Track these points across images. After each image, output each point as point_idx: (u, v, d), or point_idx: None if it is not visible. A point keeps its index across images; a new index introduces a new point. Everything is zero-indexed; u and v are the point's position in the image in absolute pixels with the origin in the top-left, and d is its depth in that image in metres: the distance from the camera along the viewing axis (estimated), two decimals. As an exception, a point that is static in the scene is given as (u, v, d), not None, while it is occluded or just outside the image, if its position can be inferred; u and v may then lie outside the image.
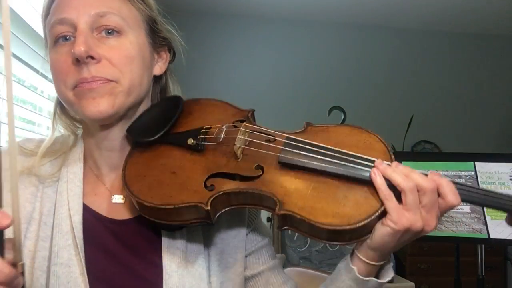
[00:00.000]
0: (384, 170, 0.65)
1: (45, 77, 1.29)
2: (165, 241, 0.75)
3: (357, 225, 0.63)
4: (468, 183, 0.69)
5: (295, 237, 2.48)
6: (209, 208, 0.67)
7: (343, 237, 0.66)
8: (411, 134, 3.85)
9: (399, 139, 3.75)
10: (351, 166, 0.67)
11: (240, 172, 0.71)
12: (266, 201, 0.69)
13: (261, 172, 0.71)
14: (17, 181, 0.52)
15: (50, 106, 1.58)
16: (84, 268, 0.70)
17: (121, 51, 0.73)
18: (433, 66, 4.27)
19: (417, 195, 0.64)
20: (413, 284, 2.45)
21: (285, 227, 0.68)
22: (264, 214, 2.48)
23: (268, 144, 0.74)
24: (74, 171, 0.77)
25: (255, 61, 4.04)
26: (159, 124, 0.77)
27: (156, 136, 0.76)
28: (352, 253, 0.72)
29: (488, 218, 1.56)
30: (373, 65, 4.17)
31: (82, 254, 0.71)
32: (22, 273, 0.50)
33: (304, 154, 0.70)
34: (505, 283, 3.65)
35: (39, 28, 1.08)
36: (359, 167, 0.67)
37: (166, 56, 0.85)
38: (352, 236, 0.66)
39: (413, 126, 3.81)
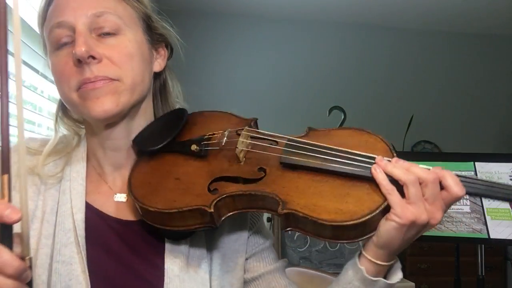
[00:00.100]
0: (385, 166, 0.66)
1: (45, 77, 1.28)
2: (168, 244, 0.75)
3: (361, 220, 0.63)
4: (473, 177, 0.68)
5: (295, 237, 2.48)
6: (212, 210, 0.68)
7: (348, 234, 0.66)
8: (411, 134, 3.85)
9: (399, 139, 3.75)
10: (352, 164, 0.68)
11: (243, 175, 0.72)
12: (269, 202, 0.70)
13: (264, 174, 0.72)
14: (26, 177, 0.52)
15: (50, 106, 1.59)
16: (86, 266, 0.70)
17: (120, 50, 0.74)
18: (433, 66, 4.27)
19: (419, 187, 0.64)
20: (413, 284, 2.44)
21: (289, 228, 0.68)
22: (265, 214, 2.48)
23: (270, 146, 0.75)
24: (77, 170, 0.78)
25: (255, 61, 4.04)
26: (164, 134, 0.79)
27: (161, 145, 0.77)
28: (360, 254, 0.71)
29: (488, 218, 1.56)
30: (373, 65, 4.17)
31: (84, 252, 0.71)
32: (30, 267, 0.51)
33: (306, 154, 0.71)
34: (505, 283, 3.66)
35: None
36: (360, 164, 0.68)
37: (164, 52, 0.85)
38: (357, 233, 0.66)
39: (413, 126, 3.81)
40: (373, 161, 0.67)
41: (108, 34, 0.73)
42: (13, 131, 0.52)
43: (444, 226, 1.60)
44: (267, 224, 2.75)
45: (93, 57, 0.71)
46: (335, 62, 4.12)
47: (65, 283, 0.69)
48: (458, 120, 4.19)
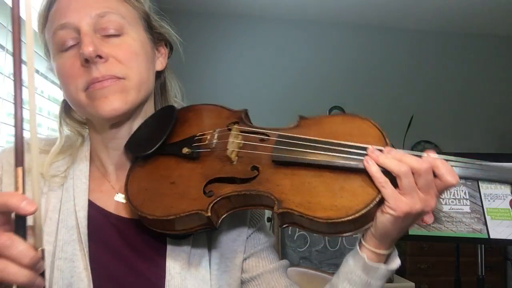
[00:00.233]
0: (377, 158, 0.65)
1: (45, 77, 1.28)
2: (170, 243, 0.75)
3: (356, 215, 0.63)
4: (464, 158, 0.67)
5: (295, 237, 2.48)
6: (209, 214, 0.68)
7: (345, 228, 0.66)
8: (411, 134, 3.85)
9: (399, 139, 3.75)
10: (345, 157, 0.67)
11: (237, 175, 0.72)
12: (265, 201, 0.70)
13: (257, 173, 0.71)
14: (38, 170, 0.54)
15: (50, 106, 1.59)
16: (88, 263, 0.71)
17: (126, 48, 0.74)
18: (433, 66, 4.27)
19: (412, 178, 0.64)
20: (413, 284, 2.44)
21: (286, 225, 0.69)
22: (265, 215, 2.48)
23: (260, 144, 0.74)
24: (80, 169, 0.79)
25: (254, 61, 4.04)
26: (155, 137, 0.78)
27: (153, 149, 0.77)
28: (360, 245, 0.72)
29: (488, 218, 1.56)
30: (373, 65, 4.17)
31: (86, 250, 0.72)
32: (43, 258, 0.52)
33: (297, 150, 0.70)
34: (505, 283, 3.66)
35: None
36: (353, 156, 0.67)
37: (164, 51, 0.86)
38: (354, 226, 0.66)
39: (413, 126, 3.81)
40: (365, 152, 0.66)
41: (114, 32, 0.74)
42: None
43: (444, 226, 1.60)
44: (267, 224, 2.75)
45: (100, 57, 0.71)
46: (335, 62, 4.12)
47: (67, 280, 0.70)
48: (458, 120, 4.19)
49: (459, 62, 4.30)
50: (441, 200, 1.64)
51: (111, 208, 0.78)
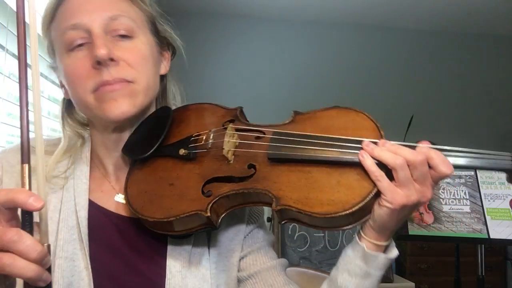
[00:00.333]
0: (372, 151, 0.65)
1: (45, 77, 1.28)
2: (170, 242, 0.76)
3: (353, 209, 0.64)
4: (458, 148, 0.68)
5: (295, 237, 2.48)
6: (209, 214, 0.68)
7: (343, 222, 0.67)
8: (411, 134, 3.85)
9: (399, 139, 3.71)
10: (340, 151, 0.68)
11: (234, 174, 0.73)
12: (263, 198, 0.70)
13: (254, 171, 0.72)
14: (43, 165, 0.54)
15: (50, 106, 1.59)
16: (88, 262, 0.71)
17: (136, 52, 0.75)
18: (434, 66, 4.26)
19: (408, 170, 0.64)
20: (413, 284, 2.44)
21: (285, 221, 0.69)
22: (264, 215, 2.48)
23: (256, 142, 0.75)
24: (81, 169, 0.79)
25: (254, 61, 4.04)
26: (152, 139, 0.79)
27: (150, 152, 0.77)
28: (358, 236, 0.72)
29: (488, 218, 1.56)
30: (373, 65, 4.17)
31: (86, 249, 0.72)
32: (49, 253, 0.52)
33: (292, 147, 0.71)
34: (505, 283, 3.65)
35: (39, 27, 1.08)
36: (348, 150, 0.67)
37: (167, 55, 0.86)
38: (352, 219, 0.67)
39: (413, 126, 3.81)
40: (360, 146, 0.67)
41: (123, 36, 0.74)
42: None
43: (444, 226, 1.60)
44: (267, 224, 2.75)
45: (112, 59, 0.72)
46: (335, 62, 4.12)
47: (68, 279, 0.70)
48: (458, 120, 4.19)
49: (460, 62, 4.30)
50: (441, 200, 1.64)
51: (111, 208, 0.79)
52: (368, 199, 0.64)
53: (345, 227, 0.67)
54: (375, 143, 0.67)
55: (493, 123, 4.25)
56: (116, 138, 0.80)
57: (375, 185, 0.65)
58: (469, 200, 1.61)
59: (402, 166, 0.64)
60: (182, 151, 0.76)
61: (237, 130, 0.77)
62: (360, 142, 0.67)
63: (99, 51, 0.70)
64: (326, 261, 2.41)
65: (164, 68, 0.85)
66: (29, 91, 0.53)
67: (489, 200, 1.59)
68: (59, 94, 1.02)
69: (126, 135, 0.80)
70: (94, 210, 0.77)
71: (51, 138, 0.85)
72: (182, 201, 0.72)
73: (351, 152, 0.67)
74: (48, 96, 1.58)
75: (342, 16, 4.00)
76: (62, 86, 0.81)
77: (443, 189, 1.65)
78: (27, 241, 0.49)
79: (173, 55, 0.88)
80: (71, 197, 0.76)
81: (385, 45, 4.21)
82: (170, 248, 0.75)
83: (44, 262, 0.51)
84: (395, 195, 0.64)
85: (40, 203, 0.50)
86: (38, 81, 0.54)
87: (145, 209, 0.72)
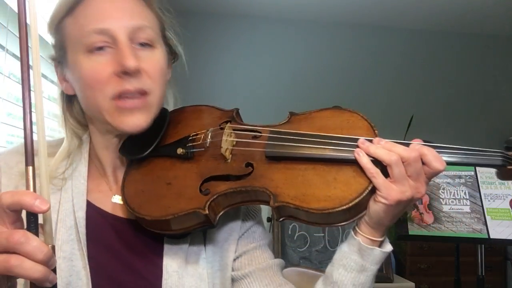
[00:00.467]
0: (367, 148, 0.68)
1: (45, 76, 1.28)
2: (167, 242, 0.76)
3: (350, 204, 0.65)
4: (450, 146, 0.71)
5: (295, 237, 2.48)
6: (207, 212, 0.69)
7: (340, 218, 0.68)
8: (411, 134, 3.84)
9: (399, 139, 3.74)
10: (336, 149, 0.69)
11: (232, 172, 0.73)
12: (261, 196, 0.71)
13: (252, 169, 0.73)
14: (47, 168, 0.55)
15: (49, 106, 1.59)
16: (87, 262, 0.72)
17: (155, 63, 0.76)
18: (434, 66, 4.26)
19: (402, 166, 0.66)
20: (413, 284, 2.44)
21: (283, 218, 0.71)
22: (264, 215, 2.48)
23: (253, 141, 0.76)
24: (79, 170, 0.79)
25: (254, 61, 4.04)
26: (149, 139, 0.79)
27: (147, 152, 0.77)
28: (354, 231, 0.73)
29: (488, 218, 1.56)
30: (374, 65, 4.17)
31: (84, 249, 0.72)
32: (54, 254, 0.53)
33: (289, 145, 0.72)
34: (505, 283, 3.65)
35: (39, 27, 1.08)
36: (344, 148, 0.69)
37: (170, 64, 0.86)
38: (349, 215, 0.68)
39: (413, 126, 3.80)
40: (355, 144, 0.69)
41: (143, 46, 0.75)
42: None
43: (444, 226, 1.60)
44: (267, 224, 2.75)
45: (138, 71, 0.72)
46: (335, 62, 4.12)
47: (66, 279, 0.71)
48: (458, 120, 4.19)
49: (460, 62, 4.30)
50: (441, 200, 1.64)
51: (108, 209, 0.79)
52: (364, 195, 0.66)
53: (341, 224, 0.69)
54: (370, 141, 0.69)
55: (494, 122, 4.24)
56: (117, 141, 0.80)
57: (370, 181, 0.66)
58: (469, 200, 1.61)
59: (396, 163, 0.66)
60: (180, 150, 0.77)
61: (234, 129, 0.78)
62: (355, 140, 0.69)
63: (129, 63, 0.70)
64: (326, 261, 2.41)
65: (168, 75, 0.85)
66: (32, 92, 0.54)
67: (489, 200, 1.59)
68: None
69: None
70: (92, 210, 0.77)
71: (52, 140, 0.85)
72: (180, 199, 0.72)
73: (347, 150, 0.69)
74: (48, 96, 1.58)
75: (342, 16, 4.00)
76: (64, 80, 0.79)
77: (443, 189, 1.65)
78: (33, 243, 0.49)
79: (174, 61, 0.88)
80: (69, 198, 0.76)
81: (385, 45, 4.21)
82: (166, 248, 0.76)
83: (50, 263, 0.51)
84: (390, 191, 0.66)
85: (46, 205, 0.50)
86: (39, 83, 0.54)
87: (142, 208, 0.73)
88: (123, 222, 0.78)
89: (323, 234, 2.47)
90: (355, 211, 0.68)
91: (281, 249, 2.47)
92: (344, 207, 0.65)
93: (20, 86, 0.54)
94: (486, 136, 4.16)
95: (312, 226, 0.65)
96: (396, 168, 0.66)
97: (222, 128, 0.78)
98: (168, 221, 0.71)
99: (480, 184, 1.62)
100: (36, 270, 0.49)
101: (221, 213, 0.73)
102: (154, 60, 0.76)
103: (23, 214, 0.53)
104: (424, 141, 0.70)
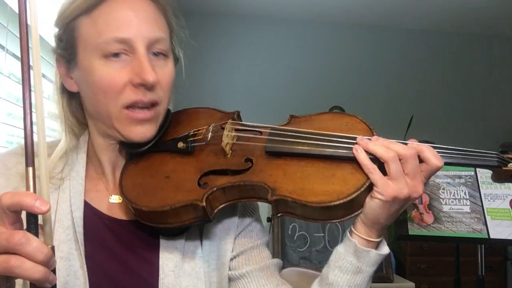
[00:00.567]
0: (366, 145, 0.69)
1: (44, 76, 1.28)
2: (163, 241, 0.76)
3: (347, 198, 0.66)
4: (446, 146, 0.73)
5: (295, 237, 2.48)
6: (204, 204, 0.69)
7: (336, 213, 0.69)
8: (411, 134, 3.85)
9: (399, 139, 3.74)
10: (335, 146, 0.71)
11: (231, 167, 0.74)
12: (259, 191, 0.72)
13: (251, 164, 0.74)
14: (47, 169, 0.55)
15: (49, 106, 1.59)
16: (84, 262, 0.72)
17: (168, 75, 0.77)
18: (434, 66, 4.26)
19: (399, 164, 0.67)
20: (413, 284, 2.45)
21: (280, 213, 0.71)
22: (264, 215, 2.48)
23: (254, 136, 0.77)
24: (77, 170, 0.79)
25: (254, 61, 4.04)
26: None
27: (148, 146, 0.78)
28: (350, 232, 0.73)
29: (488, 218, 1.56)
30: (374, 65, 4.17)
31: (82, 249, 0.73)
32: (54, 255, 0.53)
33: (289, 141, 0.73)
34: (505, 283, 3.66)
35: (39, 28, 1.08)
36: (342, 145, 0.71)
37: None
38: (345, 211, 0.69)
39: (413, 126, 3.80)
40: (354, 141, 0.70)
41: (157, 56, 0.75)
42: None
43: (444, 226, 1.60)
44: (267, 224, 2.75)
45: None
46: (335, 62, 4.12)
47: (64, 279, 0.71)
48: (458, 120, 4.19)
49: (460, 61, 4.30)
50: (441, 200, 1.64)
51: (104, 209, 0.79)
52: (361, 190, 0.67)
53: (338, 220, 0.70)
54: (368, 139, 0.70)
55: (494, 122, 4.25)
56: (118, 142, 0.80)
57: (368, 177, 0.68)
58: (469, 200, 1.61)
59: (393, 159, 0.67)
60: (180, 144, 0.78)
61: (235, 128, 0.79)
62: (354, 138, 0.71)
63: (149, 77, 0.71)
64: (326, 261, 2.41)
65: None
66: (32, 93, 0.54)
67: (489, 200, 1.59)
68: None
69: None
70: (89, 211, 0.77)
71: (49, 140, 0.85)
72: (177, 192, 0.73)
73: (345, 147, 0.70)
74: (48, 96, 1.58)
75: (342, 16, 4.00)
76: (69, 77, 0.78)
77: (443, 189, 1.65)
78: (34, 243, 0.50)
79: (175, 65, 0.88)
80: (66, 198, 0.76)
81: (385, 45, 4.21)
82: (162, 247, 0.76)
83: (50, 264, 0.51)
84: (386, 187, 0.67)
85: (46, 206, 0.51)
86: (40, 83, 0.54)
87: (139, 199, 0.73)
88: (119, 223, 0.78)
89: (323, 234, 2.47)
90: (351, 207, 0.69)
91: (281, 249, 2.47)
92: (342, 201, 0.66)
93: (20, 86, 0.54)
94: (487, 136, 4.16)
95: (310, 223, 0.65)
96: (393, 164, 0.67)
97: (223, 128, 0.79)
98: (165, 212, 0.71)
99: (480, 184, 1.62)
100: (36, 271, 0.49)
101: (218, 208, 0.73)
102: (167, 71, 0.77)
103: (23, 215, 0.53)
104: (421, 141, 0.71)
